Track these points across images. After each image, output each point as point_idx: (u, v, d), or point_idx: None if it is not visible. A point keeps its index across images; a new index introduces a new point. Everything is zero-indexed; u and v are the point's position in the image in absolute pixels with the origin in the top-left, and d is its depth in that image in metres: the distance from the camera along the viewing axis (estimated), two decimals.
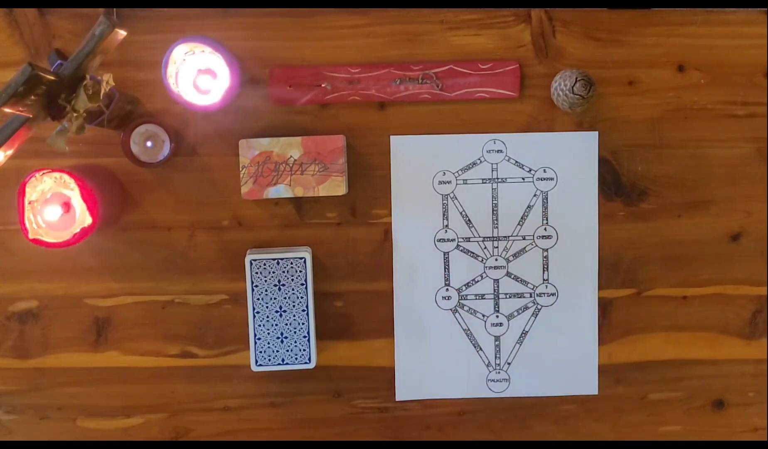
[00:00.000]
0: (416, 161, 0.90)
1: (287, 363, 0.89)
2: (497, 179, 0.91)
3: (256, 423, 0.93)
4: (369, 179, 0.90)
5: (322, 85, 0.88)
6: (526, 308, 0.92)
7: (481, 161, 0.91)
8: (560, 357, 0.93)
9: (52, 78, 0.70)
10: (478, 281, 0.92)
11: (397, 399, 0.93)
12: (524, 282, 0.92)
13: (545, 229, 0.91)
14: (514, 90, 0.89)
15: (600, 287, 0.92)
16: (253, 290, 0.88)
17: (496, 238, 0.92)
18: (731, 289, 0.93)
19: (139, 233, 0.90)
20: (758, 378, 0.94)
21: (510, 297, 0.92)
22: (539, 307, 0.92)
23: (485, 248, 0.92)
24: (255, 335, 0.88)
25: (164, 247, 0.90)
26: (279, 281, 0.88)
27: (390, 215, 0.91)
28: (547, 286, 0.92)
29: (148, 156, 0.88)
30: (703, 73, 0.90)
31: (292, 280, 0.88)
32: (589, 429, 0.94)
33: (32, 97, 0.69)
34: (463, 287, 0.92)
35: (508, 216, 0.91)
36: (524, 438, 0.94)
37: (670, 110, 0.90)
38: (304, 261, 0.88)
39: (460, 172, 0.91)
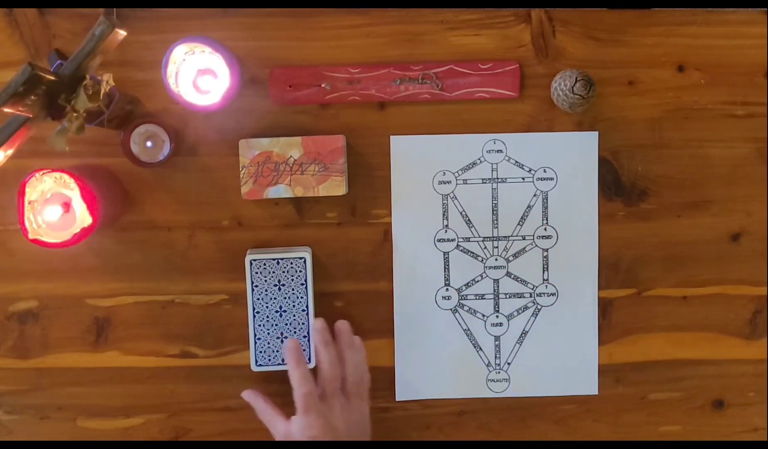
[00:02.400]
0: (416, 161, 0.90)
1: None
2: (497, 179, 0.91)
3: (256, 423, 0.93)
4: (369, 179, 0.91)
5: (322, 85, 0.88)
6: (526, 308, 0.92)
7: (481, 161, 0.91)
8: (560, 357, 0.93)
9: (52, 78, 0.70)
10: (478, 281, 0.92)
11: (397, 399, 0.93)
12: (524, 282, 0.92)
13: (545, 229, 0.91)
14: (514, 90, 0.89)
15: (600, 287, 0.92)
16: (253, 290, 0.88)
17: (496, 238, 0.92)
18: (731, 289, 0.93)
19: (139, 233, 0.90)
20: (758, 378, 0.94)
21: (510, 297, 0.92)
22: (539, 307, 0.92)
23: (485, 248, 0.92)
24: (255, 335, 0.88)
25: (164, 247, 0.90)
26: (279, 281, 0.88)
27: (390, 215, 0.91)
28: (547, 286, 0.92)
29: (148, 156, 0.88)
30: (703, 73, 0.90)
31: (292, 280, 0.88)
32: (589, 429, 0.94)
33: (32, 97, 0.69)
34: (463, 287, 0.92)
35: (508, 216, 0.91)
36: (524, 438, 0.94)
37: (670, 110, 0.90)
38: (304, 261, 0.88)
39: (460, 172, 0.91)
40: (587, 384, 0.94)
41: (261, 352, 0.88)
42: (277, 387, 0.92)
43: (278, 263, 0.88)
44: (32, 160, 0.86)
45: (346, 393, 0.86)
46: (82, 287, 0.91)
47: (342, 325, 0.88)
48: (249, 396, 0.89)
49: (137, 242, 0.90)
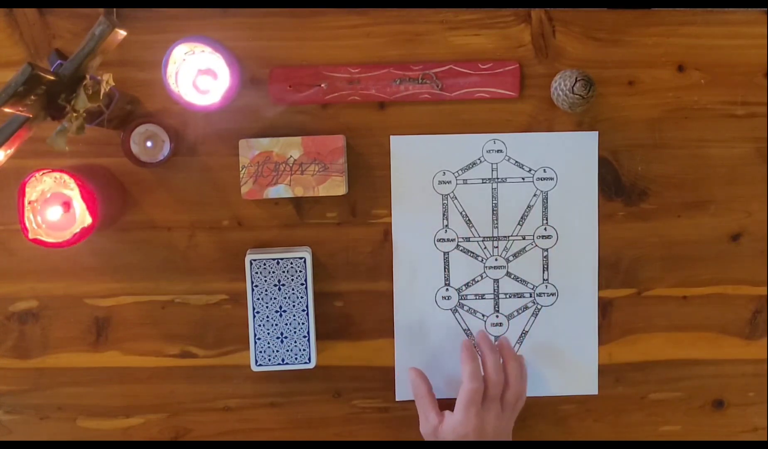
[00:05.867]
0: (416, 161, 0.90)
1: (287, 363, 0.89)
2: (497, 179, 0.91)
3: (256, 423, 0.93)
4: (369, 179, 0.91)
5: (322, 86, 0.88)
6: (526, 308, 0.92)
7: (481, 161, 0.91)
8: (560, 357, 0.93)
9: (52, 78, 0.70)
10: (478, 281, 0.92)
11: (397, 399, 0.93)
12: (524, 282, 0.92)
13: (545, 229, 0.91)
14: (514, 90, 0.89)
15: (600, 287, 0.92)
16: (253, 290, 0.88)
17: (496, 238, 0.92)
18: (731, 289, 0.93)
19: (139, 233, 0.90)
20: (758, 378, 0.94)
21: (510, 297, 0.92)
22: (539, 307, 0.92)
23: (485, 248, 0.92)
24: (255, 335, 0.88)
25: (164, 247, 0.90)
26: (279, 281, 0.88)
27: (390, 215, 0.91)
28: (547, 286, 0.92)
29: (148, 156, 0.88)
30: (703, 73, 0.90)
31: (292, 280, 0.88)
32: (589, 429, 0.94)
33: (32, 97, 0.69)
34: (463, 287, 0.92)
35: (508, 216, 0.91)
36: (524, 438, 0.94)
37: (670, 110, 0.90)
38: (304, 261, 0.88)
39: (460, 172, 0.91)
40: (587, 384, 0.94)
41: (261, 352, 0.88)
42: (276, 387, 0.92)
43: (278, 263, 0.88)
44: (32, 160, 0.86)
45: (504, 403, 0.87)
46: (81, 287, 0.91)
47: (505, 340, 0.91)
48: (415, 375, 0.89)
49: (137, 242, 0.90)
